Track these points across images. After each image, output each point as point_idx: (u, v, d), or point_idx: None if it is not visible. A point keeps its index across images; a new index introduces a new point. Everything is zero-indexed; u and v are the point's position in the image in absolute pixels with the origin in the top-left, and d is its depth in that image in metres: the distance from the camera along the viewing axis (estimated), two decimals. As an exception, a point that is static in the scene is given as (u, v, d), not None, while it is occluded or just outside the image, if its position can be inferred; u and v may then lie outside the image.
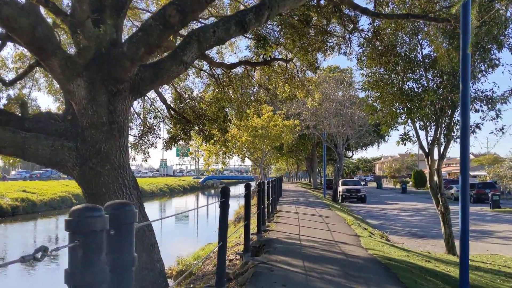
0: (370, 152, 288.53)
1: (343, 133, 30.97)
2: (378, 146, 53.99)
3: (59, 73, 6.02)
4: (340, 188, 35.65)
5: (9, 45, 11.09)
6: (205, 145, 27.13)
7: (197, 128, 12.25)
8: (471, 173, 76.40)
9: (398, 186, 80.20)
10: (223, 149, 25.75)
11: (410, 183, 74.48)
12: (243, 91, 14.03)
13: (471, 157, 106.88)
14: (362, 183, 55.76)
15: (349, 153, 60.77)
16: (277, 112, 27.44)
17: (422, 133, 12.26)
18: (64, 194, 42.28)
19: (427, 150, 12.17)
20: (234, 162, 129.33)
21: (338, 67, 43.68)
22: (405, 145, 11.27)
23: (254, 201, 15.31)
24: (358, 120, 30.64)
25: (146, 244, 6.86)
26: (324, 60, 17.18)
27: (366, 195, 38.12)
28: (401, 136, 11.35)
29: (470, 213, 21.47)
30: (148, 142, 14.14)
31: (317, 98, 16.51)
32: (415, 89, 11.75)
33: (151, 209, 44.39)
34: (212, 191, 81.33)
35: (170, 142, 12.39)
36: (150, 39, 5.92)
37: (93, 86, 6.19)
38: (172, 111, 12.00)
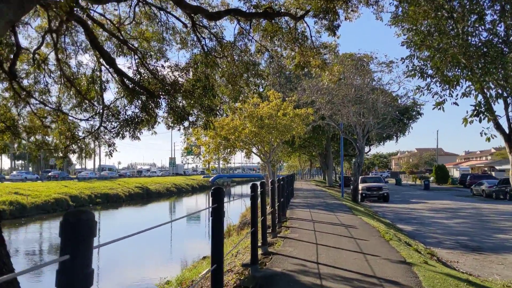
0: (386, 147, 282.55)
1: (364, 123, 26.93)
2: (397, 140, 49.62)
3: None
4: (360, 186, 31.65)
5: None
6: (204, 139, 23.45)
7: (165, 104, 8.48)
8: (497, 167, 71.42)
9: (418, 182, 75.82)
10: (224, 142, 22.00)
11: (431, 178, 69.86)
12: (237, 58, 10.23)
13: (492, 150, 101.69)
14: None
15: (366, 148, 56.54)
16: (286, 99, 23.59)
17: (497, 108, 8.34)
18: (60, 196, 39.14)
19: (507, 130, 8.26)
20: (247, 159, 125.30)
21: (354, 55, 39.76)
22: (480, 121, 7.42)
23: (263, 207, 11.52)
24: (381, 109, 26.56)
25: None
26: (346, 18, 13.20)
27: (388, 193, 34.20)
28: (475, 108, 7.45)
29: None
30: (112, 130, 10.38)
31: (336, 71, 12.56)
32: (489, 40, 7.84)
33: (149, 212, 40.80)
34: (223, 190, 77.70)
35: (128, 127, 8.63)
36: None
37: None
38: (125, 79, 8.23)
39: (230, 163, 26.69)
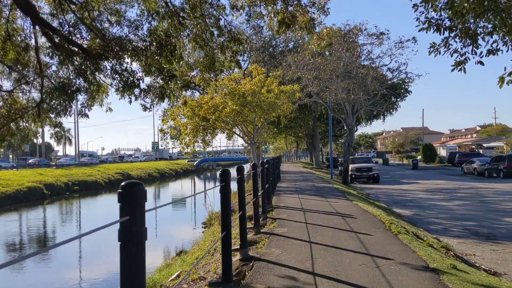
0: (372, 127, 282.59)
1: (354, 100, 25.12)
2: (384, 119, 48.11)
3: None
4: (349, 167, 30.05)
5: None
6: (182, 120, 21.43)
7: (110, 67, 6.49)
8: (485, 145, 70.65)
9: (405, 161, 74.77)
10: (203, 123, 20.01)
11: (419, 157, 68.82)
12: (207, 13, 8.25)
13: (477, 128, 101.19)
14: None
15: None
16: (270, 74, 21.62)
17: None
18: (33, 184, 36.81)
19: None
20: (231, 142, 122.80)
21: (340, 29, 37.86)
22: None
23: (243, 197, 9.63)
24: (371, 84, 24.73)
25: None
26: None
27: (379, 174, 32.80)
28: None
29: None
30: (59, 106, 8.32)
31: (326, 35, 10.64)
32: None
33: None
34: (208, 174, 75.71)
35: (60, 97, 6.62)
36: None
37: None
38: (53, 34, 6.16)
39: (212, 146, 24.75)
